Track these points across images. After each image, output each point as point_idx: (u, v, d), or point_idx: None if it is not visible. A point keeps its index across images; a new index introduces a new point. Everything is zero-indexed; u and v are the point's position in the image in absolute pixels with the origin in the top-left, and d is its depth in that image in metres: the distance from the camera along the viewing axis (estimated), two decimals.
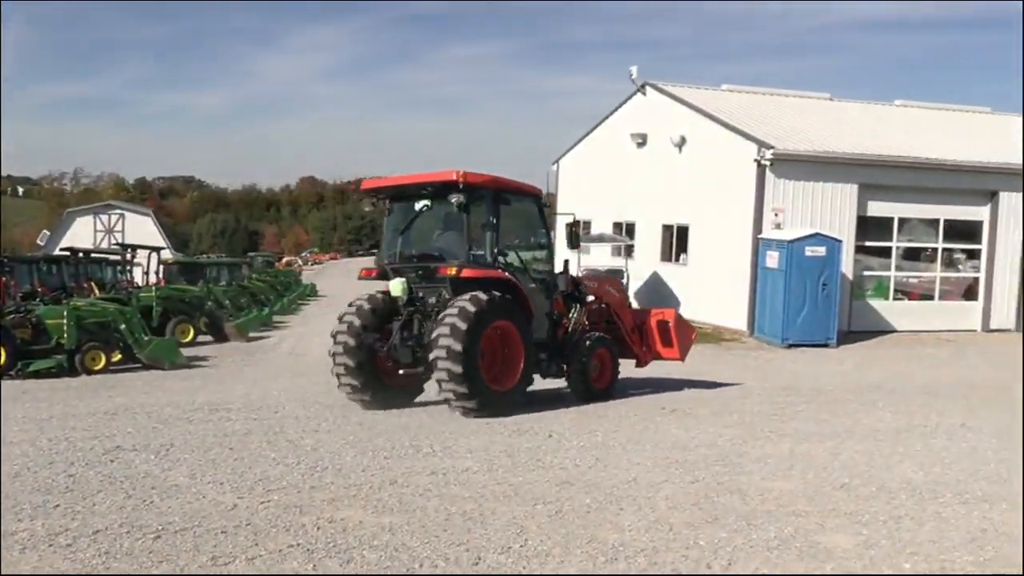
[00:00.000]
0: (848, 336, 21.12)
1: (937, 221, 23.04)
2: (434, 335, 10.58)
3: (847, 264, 21.48)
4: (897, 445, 8.46)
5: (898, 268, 23.01)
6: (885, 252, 22.65)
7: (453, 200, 11.13)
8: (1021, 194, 22.91)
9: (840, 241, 20.11)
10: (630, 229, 26.41)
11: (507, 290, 11.16)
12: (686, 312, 20.77)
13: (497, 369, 11.05)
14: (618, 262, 24.66)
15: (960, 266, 23.73)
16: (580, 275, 13.49)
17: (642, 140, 25.51)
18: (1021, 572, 5.82)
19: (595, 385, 12.07)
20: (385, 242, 11.86)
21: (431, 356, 10.54)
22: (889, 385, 13.18)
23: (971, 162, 22.50)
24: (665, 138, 24.12)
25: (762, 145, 20.86)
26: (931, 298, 23.16)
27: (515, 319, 11.06)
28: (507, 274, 11.24)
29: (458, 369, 10.44)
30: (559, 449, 8.37)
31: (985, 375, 14.72)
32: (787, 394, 11.81)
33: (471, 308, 10.61)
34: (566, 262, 12.54)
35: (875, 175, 21.86)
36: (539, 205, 12.17)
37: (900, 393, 12.11)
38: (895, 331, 22.22)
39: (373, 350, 11.15)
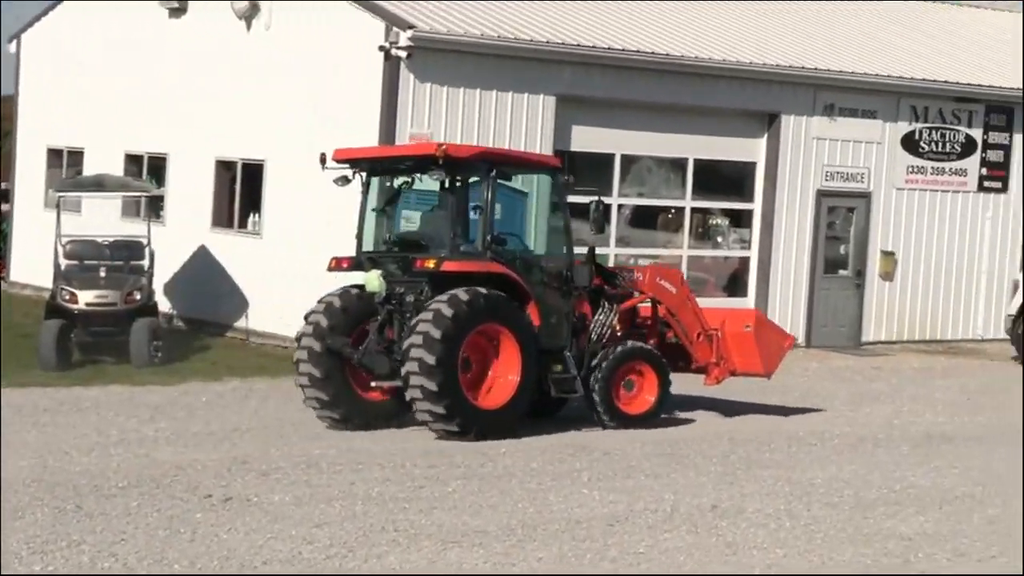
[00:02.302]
0: None
1: (684, 163, 24.01)
2: (406, 345, 13.65)
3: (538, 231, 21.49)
4: (609, 545, 9.53)
5: (621, 241, 23.67)
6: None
7: (434, 178, 14.41)
8: (824, 117, 24.50)
9: (524, 194, 19.61)
10: (157, 168, 25.97)
11: (505, 286, 14.16)
12: (260, 322, 21.82)
13: (488, 383, 14.17)
14: (133, 227, 22.95)
15: (720, 239, 24.83)
16: (621, 265, 16.63)
17: (179, 5, 24.26)
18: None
19: (624, 408, 15.06)
20: (361, 225, 15.09)
21: (403, 370, 13.64)
22: (609, 440, 13.87)
23: (734, 64, 23.50)
24: (224, 4, 23.08)
25: (394, 22, 20.77)
26: None
27: (510, 322, 14.10)
28: (503, 267, 14.25)
29: (432, 386, 13.39)
30: None
31: (754, 426, 15.80)
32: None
33: (447, 312, 13.49)
34: (591, 250, 15.36)
35: (583, 80, 22.44)
36: (556, 180, 15.73)
37: (621, 455, 13.00)
38: None
39: (343, 357, 14.22)
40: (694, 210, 24.30)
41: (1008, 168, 26.46)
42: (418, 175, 15.28)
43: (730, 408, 16.70)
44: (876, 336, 25.23)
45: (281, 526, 9.55)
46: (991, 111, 26.13)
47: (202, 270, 23.98)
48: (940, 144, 25.62)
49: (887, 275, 25.13)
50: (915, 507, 10.91)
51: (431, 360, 13.38)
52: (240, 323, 22.64)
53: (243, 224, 23.68)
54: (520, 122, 21.70)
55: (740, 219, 24.78)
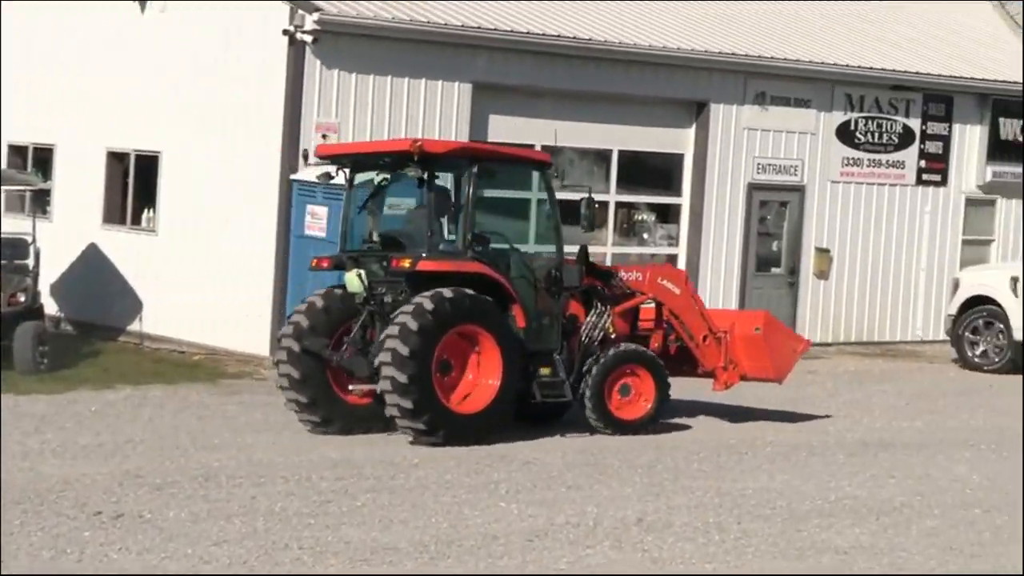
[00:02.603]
0: None
1: (608, 155, 24.05)
2: (381, 337, 14.30)
3: None
4: (528, 562, 9.54)
5: (541, 238, 23.08)
6: (519, 208, 22.80)
7: (410, 174, 15.10)
8: (756, 106, 24.81)
9: (446, 190, 19.61)
10: (43, 160, 25.73)
11: (489, 287, 14.75)
12: (155, 326, 21.90)
13: (466, 387, 14.70)
14: (17, 224, 22.63)
15: (647, 235, 24.92)
16: (619, 265, 17.17)
17: None
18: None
19: (618, 414, 15.56)
20: (345, 223, 15.80)
21: (376, 362, 14.25)
22: (528, 450, 13.77)
23: (660, 50, 23.63)
24: None
25: (299, 5, 20.73)
26: None
27: (490, 323, 14.63)
28: (483, 266, 14.85)
29: (403, 378, 13.97)
30: None
31: (680, 434, 16.01)
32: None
33: (428, 306, 14.13)
34: (582, 249, 16.09)
35: (500, 67, 22.48)
36: (545, 176, 16.26)
37: (541, 465, 12.98)
38: None
39: (322, 359, 14.79)
40: (619, 204, 24.38)
41: (947, 160, 26.82)
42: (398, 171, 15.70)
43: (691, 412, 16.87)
44: (811, 338, 25.39)
45: (176, 545, 9.47)
46: (929, 100, 26.46)
47: (92, 270, 23.76)
48: (877, 135, 25.92)
49: (822, 273, 25.37)
50: (851, 519, 11.03)
51: (404, 351, 13.92)
52: (133, 326, 22.45)
53: (136, 220, 23.50)
54: (434, 111, 21.66)
55: (667, 214, 24.90)
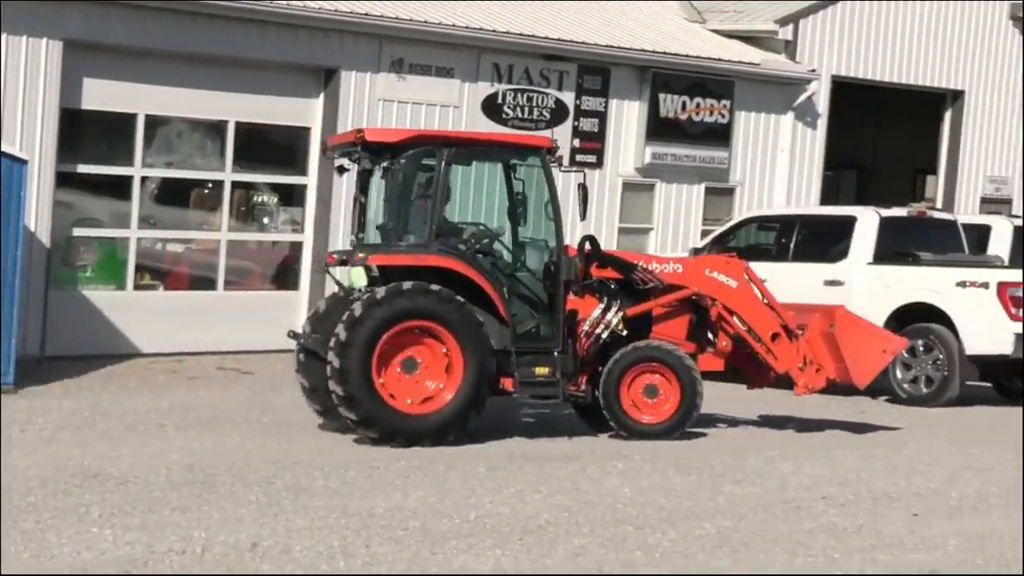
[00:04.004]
0: (44, 367, 21.17)
1: (223, 127, 24.09)
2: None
3: (40, 212, 21.69)
4: None
5: (145, 221, 23.59)
6: (121, 187, 22.98)
7: (360, 165, 17.01)
8: (392, 74, 25.02)
9: (23, 161, 19.31)
10: None
11: (461, 283, 15.98)
12: None
13: (428, 386, 16.03)
14: None
15: (268, 219, 25.11)
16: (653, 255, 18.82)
17: None
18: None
19: (635, 417, 16.68)
20: (354, 217, 17.47)
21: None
22: (125, 466, 13.39)
23: (282, 7, 23.73)
24: None
25: None
26: (212, 285, 24.28)
27: (450, 321, 15.80)
28: (450, 260, 16.09)
29: (337, 363, 15.55)
30: None
31: (309, 446, 15.94)
32: None
33: (378, 296, 15.68)
34: (584, 240, 17.10)
35: (98, 22, 22.24)
36: (544, 162, 16.94)
37: (142, 484, 12.53)
38: (140, 353, 22.85)
39: (320, 358, 16.09)
40: (235, 184, 24.27)
41: (604, 139, 27.60)
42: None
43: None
44: None
45: None
46: (584, 73, 27.18)
47: None
48: (527, 109, 26.50)
49: None
50: (492, 539, 11.29)
51: (343, 338, 15.54)
52: None
53: None
54: (17, 72, 21.26)
55: (291, 196, 24.93)
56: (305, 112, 24.58)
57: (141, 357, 22.66)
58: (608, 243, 27.51)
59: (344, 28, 24.27)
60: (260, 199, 24.91)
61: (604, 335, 16.82)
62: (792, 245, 23.69)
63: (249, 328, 23.82)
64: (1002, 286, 21.38)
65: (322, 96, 24.55)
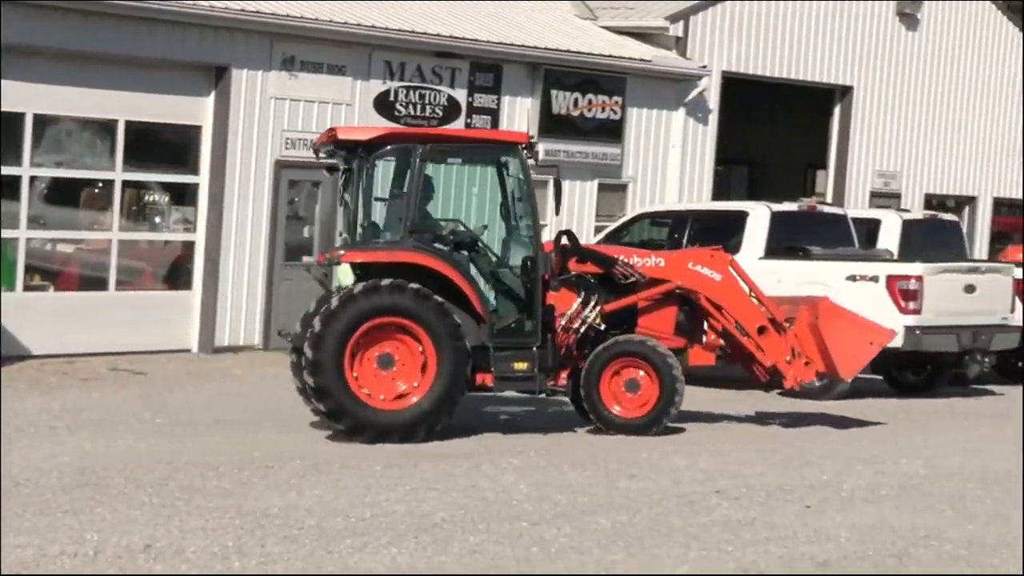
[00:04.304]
0: None
1: (113, 126, 23.94)
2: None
3: None
4: None
5: (35, 221, 23.43)
6: (9, 187, 22.89)
7: (337, 163, 17.62)
8: (284, 72, 25.06)
9: None
10: None
11: (439, 280, 16.32)
12: None
13: (403, 383, 16.38)
14: None
15: (159, 219, 25.00)
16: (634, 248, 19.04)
17: None
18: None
19: (615, 412, 16.91)
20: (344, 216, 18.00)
21: None
22: (15, 468, 13.34)
23: (172, 5, 23.53)
24: None
25: None
26: (104, 285, 24.07)
27: (424, 318, 16.13)
28: (425, 256, 16.43)
29: (310, 355, 16.08)
30: None
31: (202, 446, 15.79)
32: None
33: (355, 291, 16.12)
34: (561, 235, 17.39)
35: None
36: (520, 158, 17.13)
37: (32, 486, 12.58)
38: (31, 355, 22.71)
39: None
40: (126, 184, 24.08)
41: None
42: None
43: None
44: None
45: None
46: (477, 70, 27.25)
47: None
48: (419, 107, 26.52)
49: None
50: (387, 537, 11.28)
51: (317, 329, 16.07)
52: None
53: None
54: None
55: (184, 195, 24.75)
56: (196, 111, 24.44)
57: (32, 359, 22.46)
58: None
59: (234, 26, 24.16)
60: (151, 198, 24.74)
61: (581, 329, 17.00)
62: (684, 240, 23.80)
63: (141, 328, 23.70)
64: (891, 279, 21.67)
65: (213, 94, 24.40)
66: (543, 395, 17.39)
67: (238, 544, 10.85)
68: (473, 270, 17.06)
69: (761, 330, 17.33)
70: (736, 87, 31.81)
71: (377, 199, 17.26)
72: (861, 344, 17.66)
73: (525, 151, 17.26)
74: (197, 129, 24.52)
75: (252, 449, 15.51)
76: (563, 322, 16.99)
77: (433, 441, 16.21)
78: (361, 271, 16.45)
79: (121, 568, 10.05)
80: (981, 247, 37.03)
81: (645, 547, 11.22)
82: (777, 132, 37.65)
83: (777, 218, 23.27)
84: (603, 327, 17.11)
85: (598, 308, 17.05)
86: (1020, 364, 24.22)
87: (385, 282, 16.03)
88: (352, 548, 10.89)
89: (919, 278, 21.66)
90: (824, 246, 23.04)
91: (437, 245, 16.94)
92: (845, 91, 34.30)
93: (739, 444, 16.82)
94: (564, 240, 17.35)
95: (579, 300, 17.09)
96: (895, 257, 23.72)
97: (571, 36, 29.42)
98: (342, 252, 16.85)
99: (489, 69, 27.39)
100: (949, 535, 11.92)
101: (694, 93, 30.26)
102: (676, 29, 30.36)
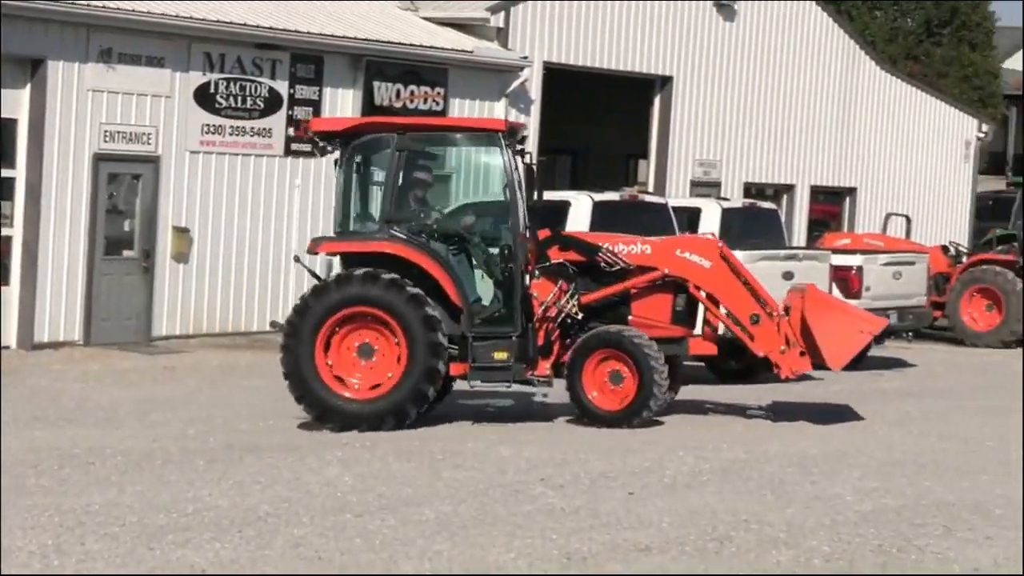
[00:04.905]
0: None
1: None
2: None
3: None
4: None
5: None
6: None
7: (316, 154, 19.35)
8: (101, 64, 24.64)
9: None
10: None
11: (420, 270, 16.43)
12: None
13: (380, 373, 16.63)
14: None
15: None
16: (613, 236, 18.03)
17: None
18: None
19: (595, 403, 16.77)
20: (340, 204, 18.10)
21: None
22: None
23: None
24: None
25: None
26: None
27: (395, 309, 16.20)
28: (399, 246, 16.52)
29: (281, 341, 16.78)
30: None
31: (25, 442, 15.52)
32: None
33: (307, 294, 16.70)
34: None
35: None
36: (499, 145, 17.15)
37: None
38: None
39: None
40: None
41: None
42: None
43: None
44: (170, 330, 25.52)
45: None
46: (297, 61, 27.09)
47: None
48: (240, 99, 26.30)
49: (181, 256, 25.46)
50: (211, 532, 11.22)
51: (292, 318, 16.63)
52: None
53: None
54: None
55: (1, 190, 24.33)
56: (12, 103, 23.94)
57: None
58: (328, 232, 27.38)
59: (49, 17, 23.78)
60: None
61: (558, 319, 16.96)
62: None
63: None
64: None
65: (28, 87, 24.00)
66: (512, 385, 17.29)
67: (57, 543, 10.74)
68: (453, 260, 16.96)
69: (754, 319, 17.01)
70: (558, 78, 31.98)
71: (365, 188, 17.65)
72: (851, 333, 17.13)
73: (505, 139, 17.09)
74: (13, 122, 24.04)
75: (72, 446, 15.32)
76: (540, 311, 16.92)
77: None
78: (343, 262, 16.93)
79: None
80: (799, 234, 37.60)
81: (470, 536, 11.28)
82: (600, 122, 37.92)
83: (599, 207, 23.43)
84: (580, 316, 17.01)
85: (575, 297, 16.95)
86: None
87: (358, 272, 16.23)
88: (174, 544, 10.82)
89: None
90: (646, 235, 23.22)
91: (423, 236, 16.96)
92: (665, 81, 34.64)
93: (563, 433, 16.93)
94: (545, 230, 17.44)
95: (556, 289, 17.00)
96: None
97: (392, 27, 29.40)
98: (320, 243, 17.26)
99: (310, 60, 27.24)
100: (768, 519, 12.13)
101: (516, 84, 30.37)
102: (497, 20, 30.46)
